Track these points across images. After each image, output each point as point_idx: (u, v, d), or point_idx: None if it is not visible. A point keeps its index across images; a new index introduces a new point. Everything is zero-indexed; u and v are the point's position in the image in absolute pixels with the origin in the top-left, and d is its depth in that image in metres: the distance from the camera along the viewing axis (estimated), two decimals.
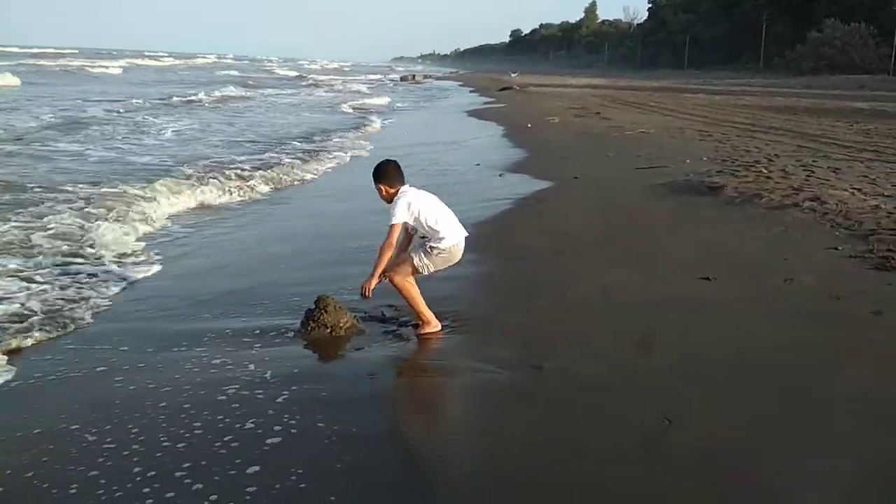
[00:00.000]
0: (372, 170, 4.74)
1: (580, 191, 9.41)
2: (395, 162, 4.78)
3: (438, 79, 71.64)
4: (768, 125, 19.32)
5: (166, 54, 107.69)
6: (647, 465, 3.01)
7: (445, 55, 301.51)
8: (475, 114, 24.17)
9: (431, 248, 4.62)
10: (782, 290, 5.25)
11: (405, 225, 4.65)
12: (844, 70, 61.69)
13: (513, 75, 73.53)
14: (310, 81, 49.47)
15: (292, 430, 3.31)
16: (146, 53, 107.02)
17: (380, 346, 4.32)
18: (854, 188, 8.90)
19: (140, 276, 5.74)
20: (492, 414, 3.54)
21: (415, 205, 4.58)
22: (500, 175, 10.89)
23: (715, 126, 18.79)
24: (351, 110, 25.07)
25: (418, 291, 4.63)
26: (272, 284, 5.60)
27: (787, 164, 11.08)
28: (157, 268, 5.99)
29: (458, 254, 4.74)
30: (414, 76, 66.81)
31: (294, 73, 64.19)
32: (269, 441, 3.21)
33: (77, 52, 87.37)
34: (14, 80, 29.79)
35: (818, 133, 17.04)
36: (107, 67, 49.96)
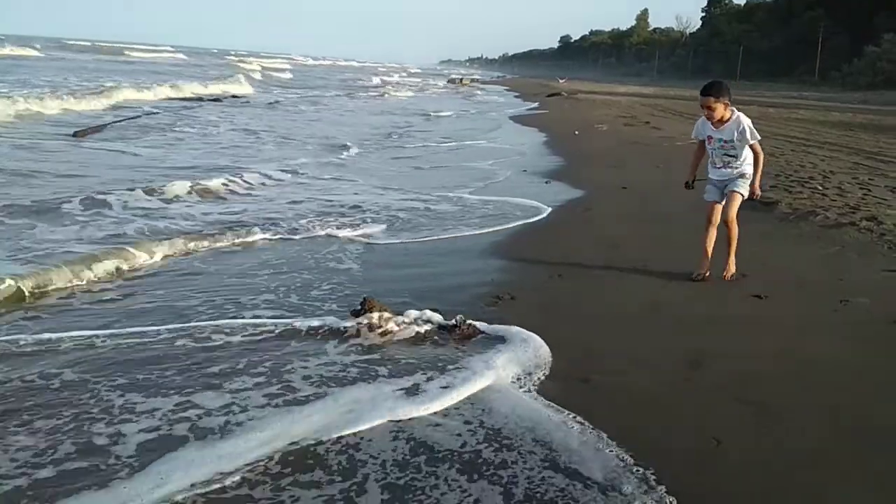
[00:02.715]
0: (706, 88, 5.58)
1: (629, 200, 9.30)
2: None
3: (485, 83, 71.71)
4: (823, 140, 18.88)
5: (243, 52, 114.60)
6: (696, 484, 2.94)
7: (493, 59, 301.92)
8: (520, 120, 24.09)
9: (746, 174, 5.66)
10: (837, 312, 5.10)
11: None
12: None
13: (561, 81, 73.41)
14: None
15: None
16: (232, 52, 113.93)
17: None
18: None
19: None
20: None
21: None
22: (546, 182, 10.83)
23: (768, 139, 18.32)
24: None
25: None
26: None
27: (843, 182, 10.81)
28: None
29: None
30: (461, 79, 67.16)
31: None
32: None
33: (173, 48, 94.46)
34: (249, 88, 32.85)
35: (875, 150, 16.60)
36: (279, 71, 57.90)
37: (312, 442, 3.19)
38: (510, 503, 2.81)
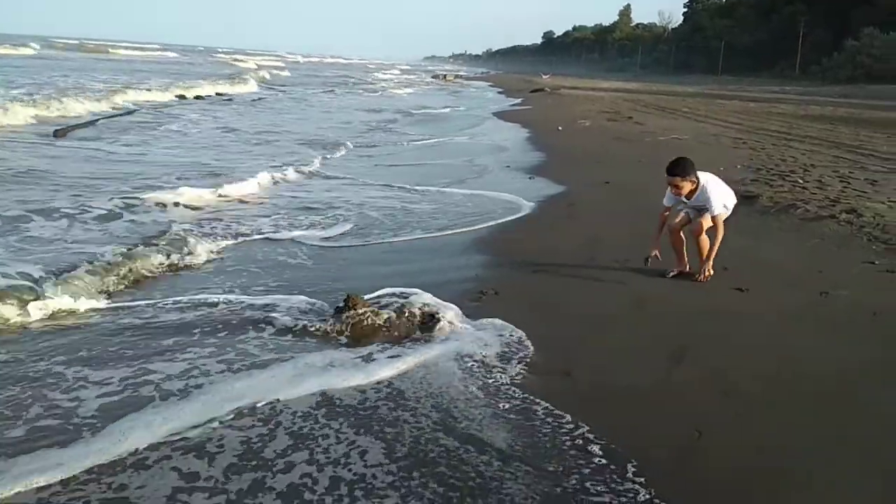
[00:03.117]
0: (671, 168, 5.52)
1: (612, 196, 9.33)
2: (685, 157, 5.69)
3: (469, 79, 72.11)
4: (804, 134, 19.04)
5: (228, 49, 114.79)
6: (678, 477, 2.96)
7: (477, 55, 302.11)
8: (504, 116, 24.10)
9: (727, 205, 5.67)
10: (818, 304, 5.15)
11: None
12: (882, 80, 60.64)
13: (544, 77, 73.83)
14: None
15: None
16: (219, 50, 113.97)
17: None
18: (892, 201, 8.73)
19: None
20: None
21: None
22: (530, 178, 10.84)
23: (749, 133, 18.56)
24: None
25: None
26: None
27: (824, 175, 10.91)
28: None
29: None
30: (445, 76, 69.07)
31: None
32: None
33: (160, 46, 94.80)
34: (254, 87, 33.15)
35: (855, 144, 16.75)
36: (277, 69, 57.71)
37: (251, 403, 3.50)
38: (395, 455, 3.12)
